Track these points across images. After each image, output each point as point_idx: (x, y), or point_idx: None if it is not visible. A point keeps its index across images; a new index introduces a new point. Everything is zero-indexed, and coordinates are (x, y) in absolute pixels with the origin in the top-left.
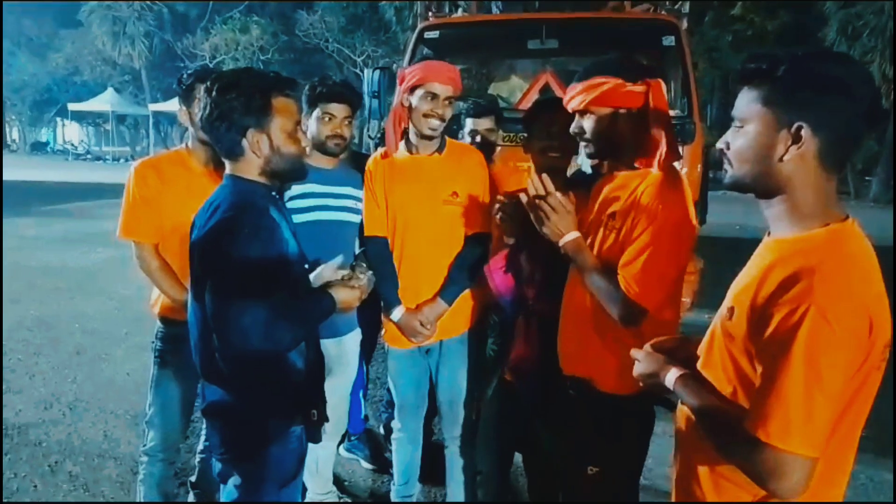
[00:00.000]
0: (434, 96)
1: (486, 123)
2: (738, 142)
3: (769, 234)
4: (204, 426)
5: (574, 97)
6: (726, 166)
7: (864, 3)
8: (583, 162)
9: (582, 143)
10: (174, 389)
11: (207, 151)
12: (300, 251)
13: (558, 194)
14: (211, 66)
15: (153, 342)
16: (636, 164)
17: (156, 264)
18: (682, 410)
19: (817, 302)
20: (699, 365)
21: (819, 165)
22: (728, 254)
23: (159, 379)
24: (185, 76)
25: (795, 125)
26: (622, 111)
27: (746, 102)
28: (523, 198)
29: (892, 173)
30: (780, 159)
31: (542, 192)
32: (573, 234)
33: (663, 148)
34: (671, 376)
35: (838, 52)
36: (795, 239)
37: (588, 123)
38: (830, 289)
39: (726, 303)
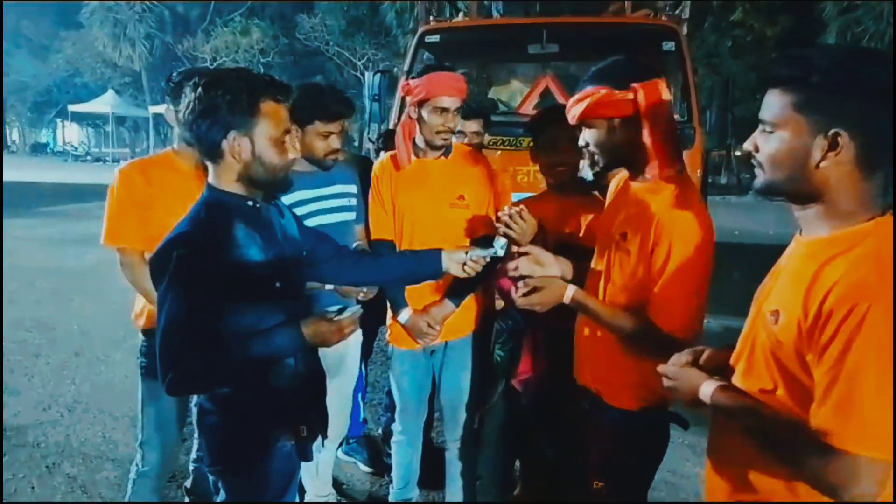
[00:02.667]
0: (444, 110)
1: (473, 126)
2: (771, 147)
3: (801, 233)
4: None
5: (570, 110)
6: (757, 170)
7: (863, 9)
8: (584, 168)
9: (591, 156)
10: (169, 407)
11: (196, 153)
12: (276, 269)
13: (522, 262)
14: (211, 68)
15: (139, 358)
16: (647, 175)
17: (144, 272)
18: (719, 426)
19: (879, 298)
20: (738, 375)
21: (856, 168)
22: (727, 259)
23: (151, 397)
24: (174, 74)
25: (832, 132)
26: (616, 121)
27: (778, 106)
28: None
29: (893, 174)
30: (817, 166)
31: (523, 273)
32: (570, 294)
33: (655, 158)
34: (707, 388)
35: (871, 51)
36: (840, 235)
37: (589, 136)
38: (890, 283)
39: (766, 306)
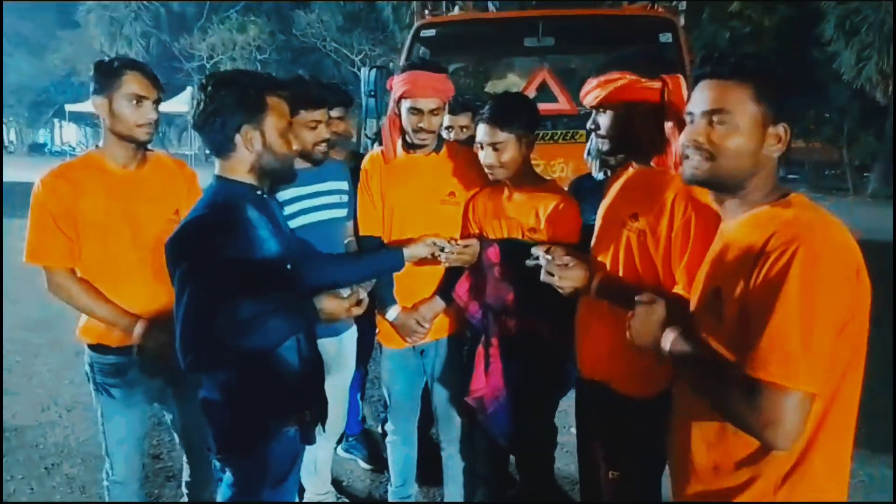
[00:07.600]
0: (418, 111)
1: (462, 120)
2: (732, 140)
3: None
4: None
5: (589, 92)
6: (700, 158)
7: None
8: (593, 167)
9: (598, 140)
10: (128, 423)
11: (126, 150)
12: (282, 253)
13: (561, 254)
14: (208, 66)
15: (87, 372)
16: (652, 163)
17: (78, 289)
18: (679, 389)
19: (805, 242)
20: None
21: (779, 158)
22: None
23: (108, 414)
24: (106, 61)
25: (782, 125)
26: (637, 107)
27: (735, 98)
28: (544, 271)
29: (893, 169)
30: (766, 155)
31: (549, 258)
32: (595, 282)
33: (678, 148)
34: (669, 336)
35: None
36: (764, 211)
37: (603, 119)
38: (816, 232)
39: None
